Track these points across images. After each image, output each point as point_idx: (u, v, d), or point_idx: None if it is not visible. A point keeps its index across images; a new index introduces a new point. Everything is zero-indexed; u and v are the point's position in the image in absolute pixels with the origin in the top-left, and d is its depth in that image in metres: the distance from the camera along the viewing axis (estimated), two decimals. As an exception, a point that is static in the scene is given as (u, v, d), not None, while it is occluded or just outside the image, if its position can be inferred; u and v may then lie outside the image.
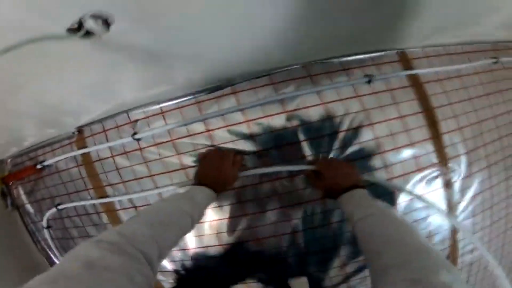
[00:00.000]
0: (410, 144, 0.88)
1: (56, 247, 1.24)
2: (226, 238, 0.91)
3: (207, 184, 0.69)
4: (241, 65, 0.74)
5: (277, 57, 0.73)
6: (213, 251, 0.94)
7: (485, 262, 0.97)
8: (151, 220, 0.49)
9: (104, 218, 1.07)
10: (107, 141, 0.94)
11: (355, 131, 0.84)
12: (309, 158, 0.83)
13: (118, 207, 1.01)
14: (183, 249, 0.97)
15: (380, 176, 0.85)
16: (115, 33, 0.44)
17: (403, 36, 0.82)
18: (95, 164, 1.00)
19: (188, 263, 1.01)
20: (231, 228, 0.89)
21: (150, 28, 0.48)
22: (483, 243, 0.99)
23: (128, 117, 0.90)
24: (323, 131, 0.82)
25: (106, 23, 0.40)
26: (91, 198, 1.06)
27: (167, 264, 1.03)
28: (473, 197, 0.96)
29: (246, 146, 0.83)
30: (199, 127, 0.84)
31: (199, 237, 0.93)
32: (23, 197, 1.24)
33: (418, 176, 0.89)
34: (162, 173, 0.90)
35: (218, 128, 0.83)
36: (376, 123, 0.85)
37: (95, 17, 0.37)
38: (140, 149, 0.90)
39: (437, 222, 0.93)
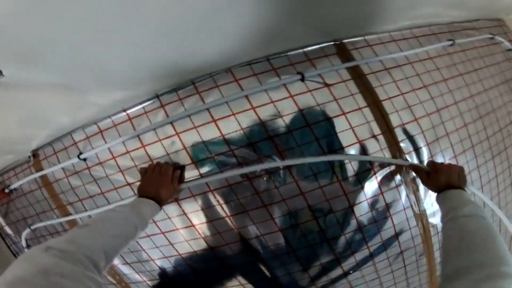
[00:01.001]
0: (358, 142, 0.83)
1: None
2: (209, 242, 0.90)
3: (150, 197, 0.71)
4: (152, 79, 0.74)
5: (188, 68, 0.72)
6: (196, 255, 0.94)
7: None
8: (100, 230, 0.52)
9: (72, 235, 1.10)
10: (59, 162, 0.96)
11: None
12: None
13: (80, 223, 1.04)
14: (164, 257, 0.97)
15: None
16: (10, 76, 0.47)
17: (340, 26, 0.79)
18: (53, 185, 1.03)
19: (166, 269, 1.01)
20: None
21: (37, 66, 0.50)
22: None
23: (72, 138, 0.92)
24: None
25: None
26: (57, 217, 1.09)
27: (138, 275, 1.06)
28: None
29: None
30: (136, 143, 0.85)
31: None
32: (0, 220, 1.28)
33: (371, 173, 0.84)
34: (111, 190, 0.92)
35: (154, 143, 0.83)
36: (315, 122, 0.80)
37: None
38: (88, 168, 0.92)
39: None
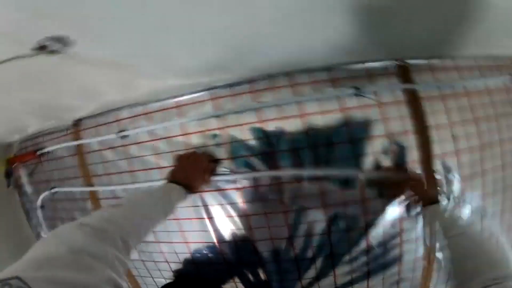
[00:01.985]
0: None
1: (46, 226, 1.34)
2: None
3: (180, 184, 0.73)
4: (210, 71, 0.78)
5: (249, 66, 0.77)
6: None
7: None
8: (136, 212, 0.53)
9: (89, 205, 1.16)
10: (98, 135, 1.04)
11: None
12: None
13: (101, 196, 1.11)
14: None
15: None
16: (77, 49, 0.53)
17: (407, 46, 0.77)
18: (86, 155, 1.09)
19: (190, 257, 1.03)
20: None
21: (108, 44, 0.56)
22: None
23: (117, 115, 0.99)
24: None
25: (65, 43, 0.50)
26: (80, 186, 1.15)
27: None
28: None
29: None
30: (178, 130, 0.91)
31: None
32: (24, 179, 1.35)
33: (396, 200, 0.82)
34: (140, 170, 0.99)
35: (195, 133, 0.89)
36: (358, 139, 0.81)
37: (53, 39, 0.47)
38: (124, 146, 0.99)
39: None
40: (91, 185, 1.11)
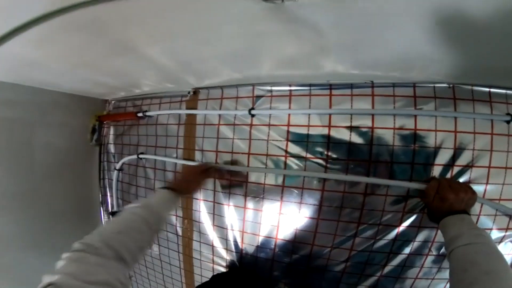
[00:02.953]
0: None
1: (117, 188, 1.30)
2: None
3: (174, 186, 0.78)
4: (391, 69, 0.74)
5: (429, 70, 0.72)
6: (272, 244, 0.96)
7: None
8: (104, 230, 0.57)
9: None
10: (220, 108, 0.99)
11: (464, 169, 0.77)
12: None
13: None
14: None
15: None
16: (300, 3, 0.47)
17: None
18: (197, 127, 1.05)
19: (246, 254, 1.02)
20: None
21: (335, 7, 0.50)
22: None
23: (253, 91, 0.94)
24: (431, 159, 0.78)
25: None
26: (176, 157, 1.10)
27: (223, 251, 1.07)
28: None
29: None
30: (318, 120, 0.85)
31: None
32: (111, 137, 1.33)
33: (502, 234, 0.79)
34: (259, 154, 0.92)
35: (338, 127, 0.83)
36: (495, 167, 0.76)
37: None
38: (251, 125, 0.93)
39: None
40: (192, 159, 1.06)
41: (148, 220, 0.63)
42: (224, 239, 1.05)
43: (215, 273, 1.10)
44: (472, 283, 0.48)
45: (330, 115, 0.83)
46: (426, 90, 0.78)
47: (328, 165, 0.84)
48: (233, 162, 0.97)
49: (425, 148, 0.78)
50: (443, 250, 0.80)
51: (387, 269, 0.85)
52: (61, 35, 0.66)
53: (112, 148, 1.33)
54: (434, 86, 0.78)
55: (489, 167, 0.76)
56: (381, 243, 0.83)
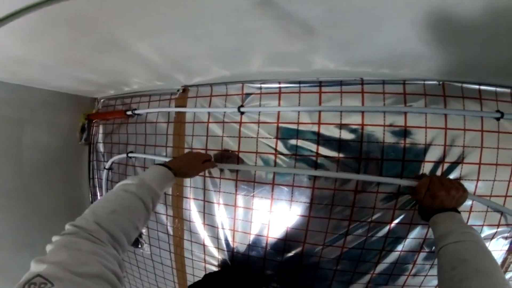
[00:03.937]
0: (503, 196, 0.77)
1: (107, 188, 1.29)
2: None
3: (171, 165, 0.74)
4: (380, 66, 0.73)
5: (419, 67, 0.72)
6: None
7: None
8: (95, 210, 0.53)
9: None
10: (210, 106, 0.98)
11: (454, 165, 0.77)
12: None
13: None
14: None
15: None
16: None
17: None
18: (186, 125, 1.03)
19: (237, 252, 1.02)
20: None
21: (324, 3, 0.49)
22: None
23: (242, 88, 0.93)
24: (421, 156, 0.78)
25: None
26: (166, 156, 1.09)
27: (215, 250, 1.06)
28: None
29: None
30: (308, 117, 0.84)
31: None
32: (100, 136, 1.31)
33: (493, 231, 0.79)
34: (248, 152, 0.91)
35: (328, 124, 0.82)
36: (486, 164, 0.77)
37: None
38: (240, 123, 0.92)
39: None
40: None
41: (143, 199, 0.59)
42: (215, 238, 1.04)
43: (207, 272, 1.09)
44: (461, 280, 0.47)
45: (319, 112, 0.82)
46: (416, 87, 0.78)
47: (319, 162, 0.83)
48: (228, 156, 0.95)
49: (416, 145, 0.77)
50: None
51: (380, 266, 0.85)
52: (47, 30, 0.64)
53: (101, 147, 1.31)
54: (424, 83, 0.77)
55: (479, 163, 0.76)
56: (373, 240, 0.83)
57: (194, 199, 1.04)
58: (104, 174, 1.28)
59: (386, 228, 0.81)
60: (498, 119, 0.75)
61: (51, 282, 0.35)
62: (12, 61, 0.83)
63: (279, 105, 0.87)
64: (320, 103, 0.82)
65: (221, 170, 0.96)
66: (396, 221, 0.80)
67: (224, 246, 1.03)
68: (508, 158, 0.76)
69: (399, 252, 0.82)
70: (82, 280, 0.37)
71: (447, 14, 0.48)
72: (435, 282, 0.84)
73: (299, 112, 0.84)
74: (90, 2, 0.53)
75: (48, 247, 0.43)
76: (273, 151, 0.88)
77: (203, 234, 1.06)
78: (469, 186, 0.76)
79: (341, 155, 0.81)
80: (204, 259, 1.09)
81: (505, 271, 0.83)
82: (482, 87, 0.77)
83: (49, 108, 1.20)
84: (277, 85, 0.87)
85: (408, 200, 0.79)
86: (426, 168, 0.77)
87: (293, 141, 0.85)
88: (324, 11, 0.51)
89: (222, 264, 1.07)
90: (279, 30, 0.59)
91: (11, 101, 1.05)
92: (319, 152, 0.83)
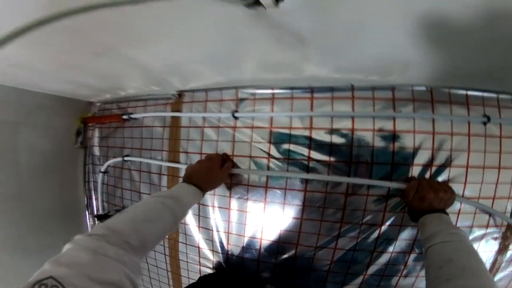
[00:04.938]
0: (490, 198, 0.80)
1: (102, 191, 1.29)
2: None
3: (195, 183, 0.75)
4: (370, 73, 0.76)
5: (408, 73, 0.74)
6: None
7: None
8: (134, 217, 0.55)
9: (165, 181, 1.11)
10: (205, 111, 1.00)
11: (442, 169, 0.79)
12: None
13: (181, 174, 1.05)
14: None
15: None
16: (281, 9, 0.47)
17: None
18: (181, 129, 1.05)
19: (232, 255, 1.03)
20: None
21: (316, 15, 0.51)
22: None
23: (236, 93, 0.95)
24: (410, 160, 0.80)
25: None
26: (161, 159, 1.10)
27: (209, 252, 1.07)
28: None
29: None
30: (300, 122, 0.87)
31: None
32: (96, 140, 1.31)
33: (482, 232, 0.82)
34: (241, 156, 0.93)
35: (320, 129, 0.84)
36: (473, 167, 0.79)
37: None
38: (235, 127, 0.94)
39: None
40: (176, 161, 1.06)
41: (175, 213, 0.63)
42: (210, 240, 1.05)
43: (202, 275, 1.10)
44: (448, 280, 0.48)
45: (311, 117, 0.84)
46: (405, 93, 0.81)
47: (310, 166, 0.85)
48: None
49: (404, 149, 0.80)
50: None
51: (372, 268, 0.87)
52: (45, 38, 0.65)
53: (97, 151, 1.32)
54: (412, 89, 0.80)
55: (467, 166, 0.79)
56: (364, 242, 0.85)
57: (189, 202, 1.05)
58: (99, 177, 1.29)
59: (377, 230, 0.83)
60: (485, 123, 0.78)
61: (64, 286, 0.33)
62: (10, 65, 0.84)
63: (272, 110, 0.89)
64: (311, 109, 0.85)
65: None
66: (387, 223, 0.83)
67: (219, 248, 1.04)
68: (495, 161, 0.79)
69: (390, 254, 0.85)
70: (99, 287, 0.36)
71: (435, 21, 0.50)
72: (426, 283, 0.86)
73: (291, 117, 0.86)
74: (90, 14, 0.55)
75: (68, 246, 0.42)
76: (266, 155, 0.89)
77: (198, 236, 1.07)
78: (457, 188, 0.78)
79: (332, 159, 0.83)
80: (199, 262, 1.10)
81: (496, 272, 0.85)
82: (469, 92, 0.79)
83: (45, 111, 1.21)
84: (270, 91, 0.89)
85: (398, 202, 0.81)
86: (415, 171, 0.80)
87: (285, 146, 0.87)
88: (316, 22, 0.53)
89: (217, 267, 1.08)
90: (272, 39, 0.61)
91: (7, 104, 1.05)
92: (311, 156, 0.85)
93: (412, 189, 0.72)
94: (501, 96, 0.80)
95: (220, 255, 1.05)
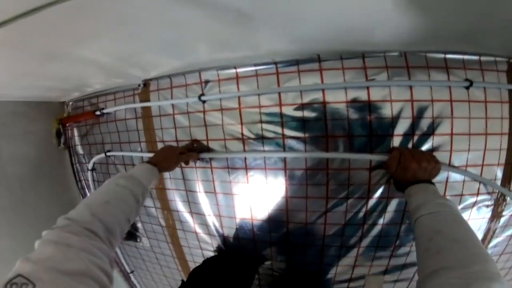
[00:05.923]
0: (479, 166, 0.77)
1: (95, 188, 1.30)
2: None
3: (153, 162, 0.77)
4: (333, 42, 0.69)
5: (375, 39, 0.67)
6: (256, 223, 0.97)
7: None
8: (90, 202, 0.54)
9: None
10: (172, 98, 0.95)
11: (425, 137, 0.76)
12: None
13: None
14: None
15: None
16: None
17: None
18: (153, 118, 1.01)
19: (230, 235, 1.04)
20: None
21: None
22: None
23: (200, 76, 0.89)
24: (389, 130, 0.76)
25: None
26: (141, 151, 1.09)
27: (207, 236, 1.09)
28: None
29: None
30: (269, 100, 0.82)
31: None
32: (76, 139, 1.30)
33: (473, 199, 0.79)
34: (217, 140, 0.90)
35: (289, 104, 0.80)
36: (458, 134, 0.75)
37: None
38: (204, 111, 0.90)
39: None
40: (156, 151, 1.04)
41: (134, 192, 0.61)
42: (204, 225, 1.06)
43: (205, 258, 1.12)
44: (438, 252, 0.47)
45: (279, 93, 0.79)
46: (377, 60, 0.74)
47: (286, 144, 0.82)
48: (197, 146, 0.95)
49: (383, 119, 0.75)
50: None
51: (365, 240, 0.86)
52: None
53: (80, 149, 1.31)
54: (384, 56, 0.73)
55: (451, 134, 0.74)
56: (355, 216, 0.84)
57: (176, 189, 1.05)
58: (89, 175, 1.29)
59: (365, 203, 0.82)
60: (467, 87, 0.72)
61: (32, 282, 0.34)
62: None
63: (238, 90, 0.83)
64: (278, 85, 0.79)
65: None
66: (375, 195, 0.81)
67: (215, 232, 1.05)
68: (481, 127, 0.74)
69: (381, 226, 0.83)
70: (67, 278, 0.36)
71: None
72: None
73: (258, 95, 0.81)
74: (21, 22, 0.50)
75: (37, 243, 0.42)
76: (240, 136, 0.86)
77: (192, 222, 1.08)
78: (444, 157, 0.75)
79: (307, 134, 0.80)
80: (200, 246, 1.13)
81: (490, 239, 0.84)
82: (448, 56, 0.73)
83: (20, 119, 1.18)
84: (233, 70, 0.84)
85: (382, 174, 0.79)
86: (396, 141, 0.76)
87: (258, 125, 0.84)
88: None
89: (218, 249, 1.10)
90: (208, 18, 0.56)
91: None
92: (285, 133, 0.81)
93: (394, 160, 0.69)
94: (483, 58, 0.73)
95: (217, 238, 1.06)
